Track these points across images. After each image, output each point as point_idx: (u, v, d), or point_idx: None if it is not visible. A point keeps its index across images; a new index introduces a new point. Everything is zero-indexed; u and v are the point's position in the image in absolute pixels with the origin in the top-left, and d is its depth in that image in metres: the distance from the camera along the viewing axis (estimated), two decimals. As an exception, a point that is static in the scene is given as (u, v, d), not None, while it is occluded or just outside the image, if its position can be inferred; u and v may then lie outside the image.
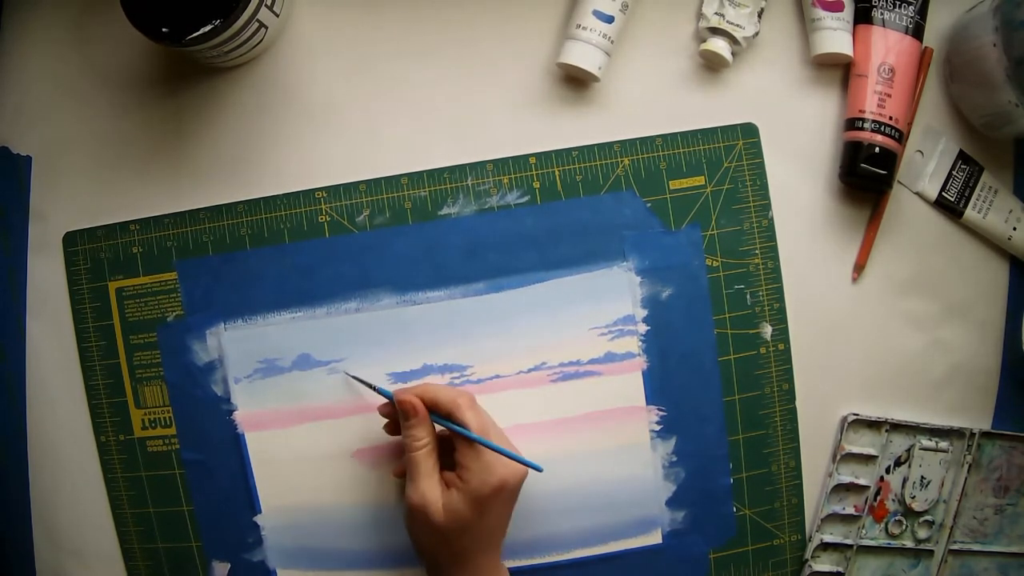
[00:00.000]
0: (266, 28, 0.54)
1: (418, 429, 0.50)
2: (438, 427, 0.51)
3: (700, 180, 0.58)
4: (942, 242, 0.59)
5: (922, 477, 0.59)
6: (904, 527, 0.59)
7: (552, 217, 0.57)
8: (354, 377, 0.55)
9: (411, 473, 0.49)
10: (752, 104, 0.58)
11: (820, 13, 0.56)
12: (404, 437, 0.50)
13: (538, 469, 0.50)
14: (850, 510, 0.58)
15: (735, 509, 0.58)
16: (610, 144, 0.57)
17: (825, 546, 0.58)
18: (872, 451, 0.58)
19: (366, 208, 0.57)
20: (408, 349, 0.56)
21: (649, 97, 0.58)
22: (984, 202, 0.59)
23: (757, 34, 0.57)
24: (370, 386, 0.54)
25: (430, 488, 0.49)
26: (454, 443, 0.50)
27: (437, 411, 0.50)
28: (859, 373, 0.59)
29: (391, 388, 0.53)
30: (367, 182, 0.57)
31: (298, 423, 0.56)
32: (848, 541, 0.58)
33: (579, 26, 0.55)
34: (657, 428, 0.57)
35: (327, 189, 0.57)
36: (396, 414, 0.52)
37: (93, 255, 0.57)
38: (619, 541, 0.57)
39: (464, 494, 0.48)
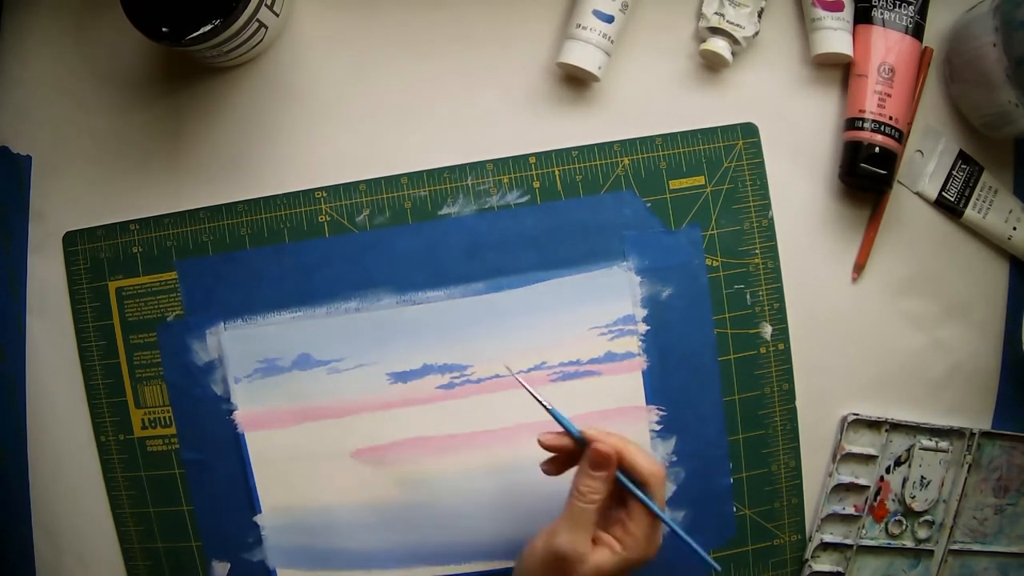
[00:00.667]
0: (266, 28, 0.54)
1: (602, 483, 0.47)
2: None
3: (700, 180, 0.58)
4: (942, 242, 0.59)
5: (922, 477, 0.59)
6: (904, 527, 0.59)
7: (552, 217, 0.57)
8: (535, 396, 0.49)
9: (571, 520, 0.46)
10: (752, 104, 0.58)
11: (820, 13, 0.56)
12: (581, 486, 0.47)
13: (718, 570, 0.50)
14: (850, 510, 0.58)
15: (735, 509, 0.58)
16: (610, 144, 0.57)
17: (825, 546, 0.58)
18: (872, 451, 0.58)
19: (366, 208, 0.57)
20: (408, 349, 0.56)
21: (649, 97, 0.58)
22: (984, 202, 0.59)
23: (757, 34, 0.57)
24: (557, 418, 0.49)
25: (587, 542, 0.46)
26: (627, 507, 0.47)
27: (629, 475, 0.47)
28: (859, 373, 0.59)
29: (389, 384, 0.52)
30: (367, 182, 0.57)
31: (298, 423, 0.56)
32: (848, 541, 0.58)
33: (579, 26, 0.55)
34: (657, 428, 0.57)
35: (327, 189, 0.57)
36: (562, 447, 0.49)
37: (93, 255, 0.57)
38: (619, 541, 0.57)
39: (618, 559, 0.46)
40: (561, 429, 0.49)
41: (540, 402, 0.49)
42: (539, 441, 0.49)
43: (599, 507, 0.47)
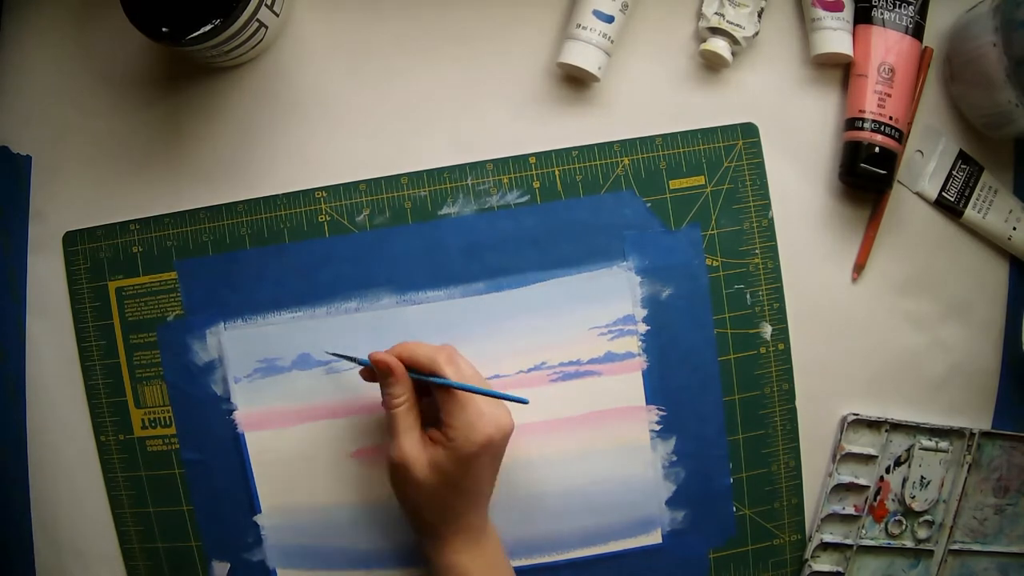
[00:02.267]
0: (266, 28, 0.54)
1: (396, 387, 0.50)
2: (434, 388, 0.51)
3: (700, 180, 0.58)
4: (942, 242, 0.59)
5: (922, 477, 0.59)
6: (904, 527, 0.59)
7: (552, 217, 0.57)
8: (334, 354, 0.54)
9: (392, 431, 0.50)
10: (752, 104, 0.58)
11: (820, 13, 0.56)
12: (383, 396, 0.50)
13: (524, 402, 0.49)
14: (850, 510, 0.58)
15: (735, 509, 0.58)
16: (610, 144, 0.57)
17: (825, 546, 0.58)
18: (872, 451, 0.58)
19: (366, 208, 0.57)
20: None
21: (649, 97, 0.58)
22: (984, 202, 0.59)
23: (757, 34, 0.57)
24: (349, 358, 0.53)
25: (411, 444, 0.49)
26: (439, 402, 0.50)
27: (418, 369, 0.50)
28: (859, 373, 0.59)
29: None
30: (367, 182, 0.57)
31: (298, 423, 0.56)
32: (848, 541, 0.58)
33: (579, 26, 0.55)
34: (657, 428, 0.57)
35: (327, 189, 0.57)
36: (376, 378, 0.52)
37: (93, 255, 0.57)
38: (619, 541, 0.57)
39: (449, 451, 0.48)
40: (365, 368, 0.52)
41: (343, 356, 0.53)
42: (360, 375, 0.53)
43: (410, 408, 0.50)
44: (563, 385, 0.56)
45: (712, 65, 0.58)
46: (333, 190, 0.57)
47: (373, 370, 0.51)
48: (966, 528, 0.60)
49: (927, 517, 0.59)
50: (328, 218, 0.57)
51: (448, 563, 0.50)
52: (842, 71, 0.58)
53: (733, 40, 0.56)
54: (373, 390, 0.55)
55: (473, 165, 0.57)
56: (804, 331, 0.58)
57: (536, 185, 0.57)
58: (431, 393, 0.51)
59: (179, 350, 0.57)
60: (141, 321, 0.57)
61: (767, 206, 0.58)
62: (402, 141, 0.57)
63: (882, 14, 0.56)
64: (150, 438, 0.57)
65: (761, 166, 0.58)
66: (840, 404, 0.59)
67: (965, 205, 0.59)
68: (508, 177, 0.57)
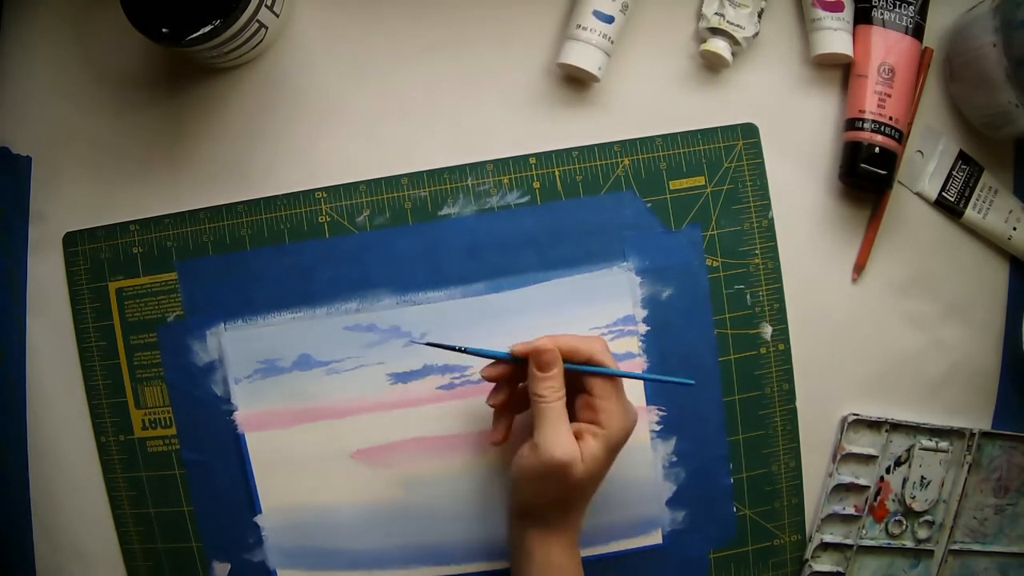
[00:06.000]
0: (266, 28, 0.54)
1: (556, 380, 0.48)
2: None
3: (700, 180, 0.58)
4: (942, 242, 0.59)
5: (922, 477, 0.59)
6: (904, 527, 0.59)
7: (552, 217, 0.57)
8: (436, 344, 0.51)
9: (550, 425, 0.47)
10: (752, 104, 0.58)
11: (820, 13, 0.56)
12: (540, 389, 0.48)
13: (690, 384, 0.51)
14: (850, 510, 0.58)
15: (735, 509, 0.58)
16: (610, 144, 0.57)
17: (825, 546, 0.58)
18: (872, 451, 0.58)
19: (366, 208, 0.57)
20: (408, 349, 0.56)
21: (649, 97, 0.58)
22: (984, 202, 0.59)
23: (757, 34, 0.57)
24: (480, 353, 0.51)
25: (572, 440, 0.47)
26: (590, 390, 0.49)
27: (574, 360, 0.49)
28: (859, 373, 0.59)
29: (389, 385, 0.53)
30: (367, 182, 0.57)
31: (298, 423, 0.56)
32: (848, 541, 0.58)
33: (579, 26, 0.55)
34: (657, 428, 0.57)
35: (327, 189, 0.57)
36: (504, 375, 0.51)
37: (93, 255, 0.57)
38: (619, 541, 0.57)
39: (602, 440, 0.47)
40: (491, 361, 0.51)
41: (454, 348, 0.51)
42: (482, 375, 0.51)
43: (564, 403, 0.48)
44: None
45: (712, 65, 0.58)
46: (333, 191, 0.57)
47: (511, 362, 0.50)
48: (966, 528, 0.60)
49: (927, 517, 0.59)
50: (328, 219, 0.57)
51: (553, 560, 0.49)
52: (842, 71, 0.58)
53: (733, 40, 0.56)
54: (373, 389, 0.55)
55: (473, 165, 0.57)
56: (804, 331, 0.58)
57: (536, 186, 0.57)
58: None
59: (179, 351, 0.57)
60: (141, 322, 0.57)
61: (767, 206, 0.58)
62: (402, 141, 0.57)
63: (882, 14, 0.56)
64: (150, 439, 0.57)
65: (761, 166, 0.58)
66: (840, 404, 0.59)
67: (965, 205, 0.59)
68: (508, 177, 0.57)
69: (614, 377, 0.49)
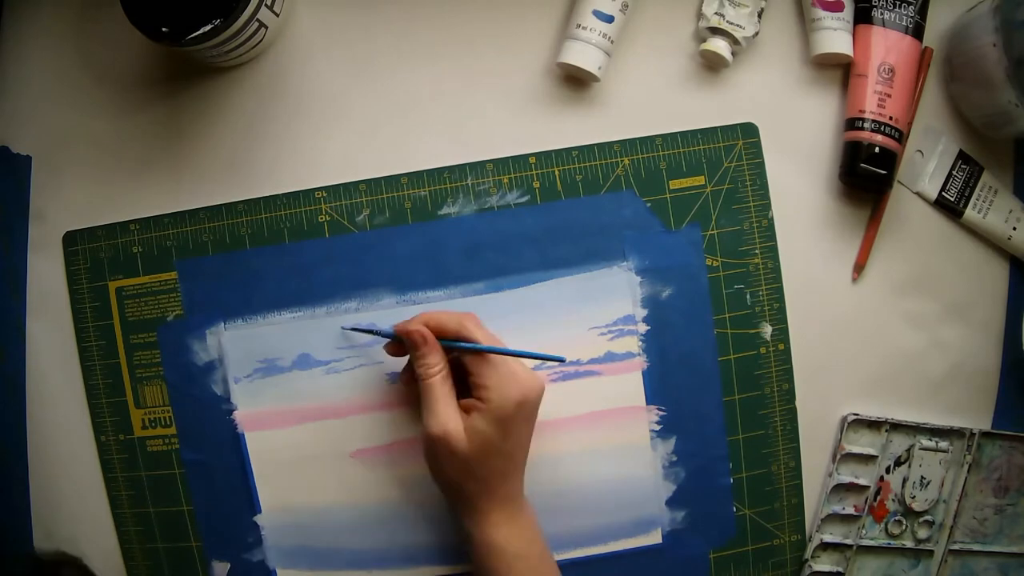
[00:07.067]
0: (266, 28, 0.54)
1: (430, 356, 0.49)
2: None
3: (700, 180, 0.58)
4: (942, 242, 0.59)
5: (922, 477, 0.59)
6: (904, 527, 0.59)
7: (552, 217, 0.57)
8: (354, 328, 0.55)
9: (429, 402, 0.49)
10: (752, 104, 0.58)
11: (820, 13, 0.56)
12: (417, 368, 0.50)
13: (561, 360, 0.50)
14: (850, 510, 0.58)
15: (735, 509, 0.58)
16: (610, 144, 0.57)
17: (825, 546, 0.58)
18: (872, 451, 0.58)
19: (366, 208, 0.57)
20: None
21: (649, 97, 0.58)
22: (984, 202, 0.59)
23: (757, 34, 0.57)
24: (371, 331, 0.53)
25: (451, 415, 0.48)
26: (467, 367, 0.50)
27: (444, 336, 0.50)
28: (859, 373, 0.59)
29: (389, 385, 0.53)
30: (367, 182, 0.57)
31: (298, 423, 0.56)
32: (848, 541, 0.58)
33: (579, 26, 0.55)
34: (657, 428, 0.57)
35: (327, 189, 0.57)
36: (404, 351, 0.52)
37: (93, 255, 0.57)
38: (619, 541, 0.57)
39: (486, 414, 0.48)
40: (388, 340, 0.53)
41: (362, 329, 0.54)
42: (385, 350, 0.53)
43: (446, 378, 0.49)
44: (563, 385, 0.56)
45: (712, 65, 0.58)
46: (333, 190, 0.57)
47: (400, 342, 0.51)
48: (966, 528, 0.60)
49: (927, 517, 0.59)
50: (328, 218, 0.57)
51: (489, 539, 0.49)
52: (842, 71, 0.58)
53: (733, 40, 0.56)
54: (372, 390, 0.55)
55: (473, 165, 0.57)
56: (804, 331, 0.58)
57: (536, 185, 0.57)
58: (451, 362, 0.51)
59: (179, 350, 0.57)
60: (141, 321, 0.57)
61: (767, 206, 0.58)
62: (402, 141, 0.57)
63: (882, 14, 0.56)
64: (150, 438, 0.57)
65: (761, 166, 0.58)
66: (840, 404, 0.59)
67: (965, 205, 0.59)
68: (508, 177, 0.57)
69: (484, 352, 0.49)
